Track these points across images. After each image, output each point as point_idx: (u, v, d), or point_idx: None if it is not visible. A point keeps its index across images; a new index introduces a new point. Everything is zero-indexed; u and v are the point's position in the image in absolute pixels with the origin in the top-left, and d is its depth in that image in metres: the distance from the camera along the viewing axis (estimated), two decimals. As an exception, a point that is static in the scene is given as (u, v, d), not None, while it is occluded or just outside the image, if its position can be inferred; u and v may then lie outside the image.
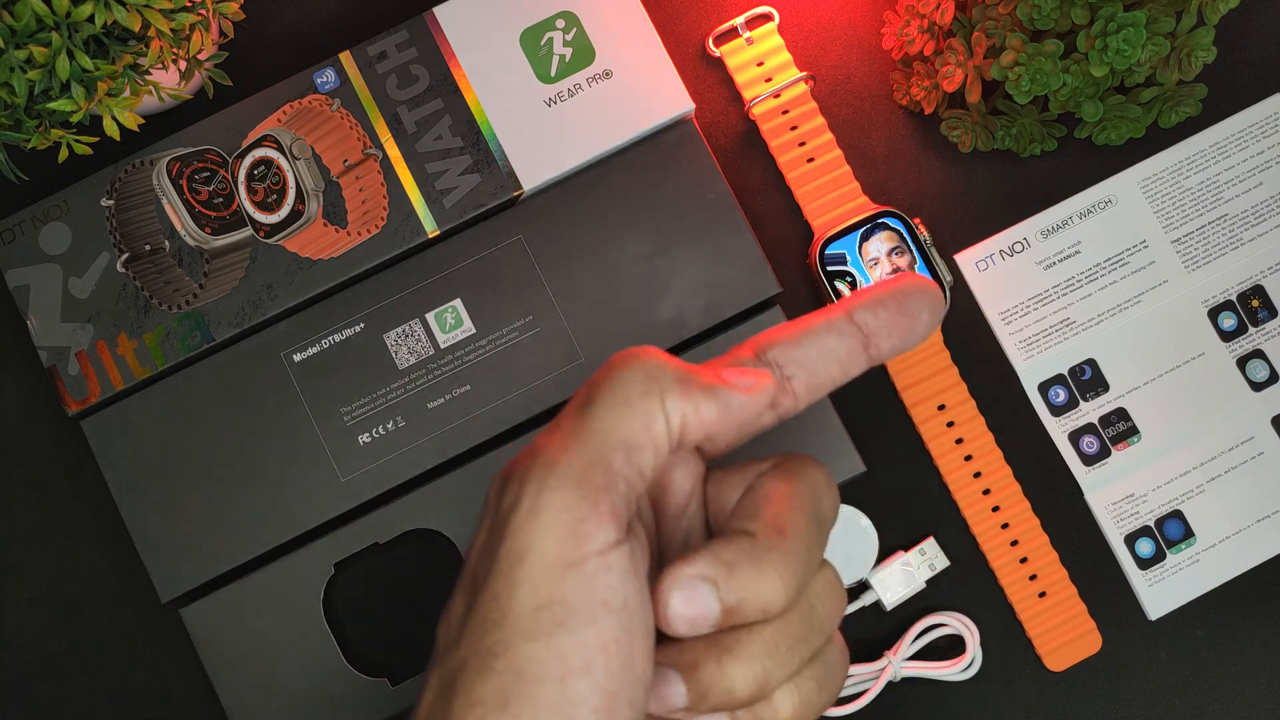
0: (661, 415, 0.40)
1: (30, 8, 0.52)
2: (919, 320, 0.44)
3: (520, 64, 0.63)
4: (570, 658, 0.38)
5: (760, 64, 0.65)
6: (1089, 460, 0.64)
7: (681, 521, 0.44)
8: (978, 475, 0.64)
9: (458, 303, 0.63)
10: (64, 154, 0.58)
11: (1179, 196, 0.66)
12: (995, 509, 0.64)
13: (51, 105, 0.54)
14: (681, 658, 0.40)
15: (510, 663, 0.38)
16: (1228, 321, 0.65)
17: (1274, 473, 0.64)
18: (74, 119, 0.55)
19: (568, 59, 0.63)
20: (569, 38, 0.63)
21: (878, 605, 0.64)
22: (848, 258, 0.64)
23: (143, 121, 0.59)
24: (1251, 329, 0.65)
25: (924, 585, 0.63)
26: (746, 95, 0.65)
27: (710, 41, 0.66)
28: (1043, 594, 0.63)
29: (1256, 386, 0.65)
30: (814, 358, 0.42)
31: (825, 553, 0.43)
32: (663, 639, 0.40)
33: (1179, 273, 0.65)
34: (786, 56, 0.65)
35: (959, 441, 0.64)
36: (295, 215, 0.62)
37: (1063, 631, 0.63)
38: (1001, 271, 0.65)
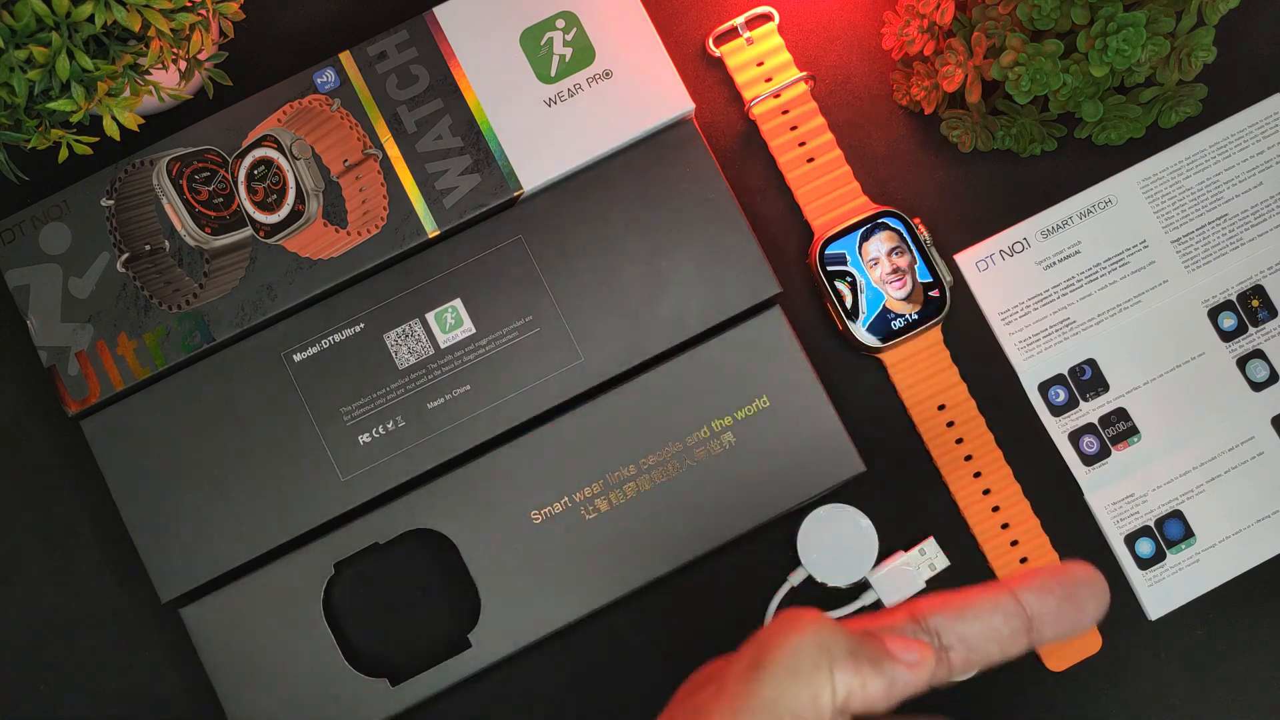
0: (829, 689, 0.40)
1: (30, 8, 0.52)
2: (1084, 611, 0.44)
3: (520, 64, 0.63)
4: None
5: (760, 64, 0.65)
6: (1089, 460, 0.64)
7: None
8: (978, 475, 0.64)
9: (458, 303, 0.63)
10: (64, 154, 0.58)
11: (1179, 196, 0.66)
12: (995, 509, 0.64)
13: (51, 105, 0.54)
14: None
15: None
16: (1228, 321, 0.65)
17: (1274, 473, 0.64)
18: (74, 119, 0.55)
19: (568, 59, 0.63)
20: (569, 38, 0.63)
21: (878, 605, 0.64)
22: (848, 258, 0.64)
23: (143, 121, 0.59)
24: (1251, 329, 0.65)
25: (924, 585, 0.63)
26: (746, 95, 0.65)
27: (710, 41, 0.66)
28: (1043, 594, 0.63)
29: (1256, 386, 0.65)
30: (976, 634, 0.43)
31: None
32: None
33: (1179, 273, 0.65)
34: (786, 56, 0.65)
35: (959, 441, 0.64)
36: (295, 215, 0.62)
37: (1063, 631, 0.63)
38: (1001, 271, 0.65)
